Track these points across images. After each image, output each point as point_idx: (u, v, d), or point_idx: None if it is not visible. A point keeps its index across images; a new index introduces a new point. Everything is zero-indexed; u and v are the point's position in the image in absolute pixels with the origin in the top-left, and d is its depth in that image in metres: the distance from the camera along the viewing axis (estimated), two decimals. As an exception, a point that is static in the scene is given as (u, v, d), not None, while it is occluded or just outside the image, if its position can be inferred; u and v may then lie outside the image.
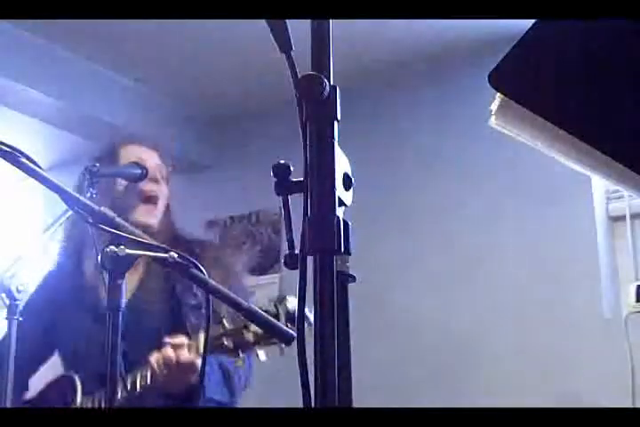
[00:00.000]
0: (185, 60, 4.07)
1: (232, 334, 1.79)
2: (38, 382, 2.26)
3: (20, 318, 1.73)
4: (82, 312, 2.18)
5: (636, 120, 0.90)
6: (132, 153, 2.28)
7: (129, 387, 1.89)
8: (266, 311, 1.73)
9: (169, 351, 1.87)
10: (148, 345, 1.95)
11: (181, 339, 1.90)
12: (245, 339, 1.79)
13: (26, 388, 2.24)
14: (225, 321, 1.81)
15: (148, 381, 1.90)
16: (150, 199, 2.21)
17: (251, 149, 4.46)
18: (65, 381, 2.13)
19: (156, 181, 2.23)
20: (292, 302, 1.79)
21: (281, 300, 1.80)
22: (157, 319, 2.11)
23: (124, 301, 2.08)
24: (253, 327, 1.77)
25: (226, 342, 1.79)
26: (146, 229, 2.17)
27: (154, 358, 1.90)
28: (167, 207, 2.28)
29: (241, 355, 1.82)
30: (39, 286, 2.31)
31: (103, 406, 1.97)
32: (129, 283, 2.14)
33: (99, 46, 3.94)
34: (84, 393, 2.06)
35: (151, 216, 2.21)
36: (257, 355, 1.83)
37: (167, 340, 1.91)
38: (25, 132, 4.25)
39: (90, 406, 2.01)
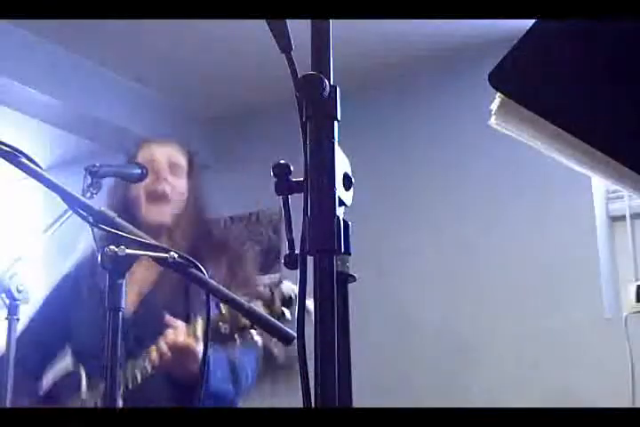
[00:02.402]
0: (185, 61, 4.07)
1: (228, 319, 1.80)
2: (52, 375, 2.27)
3: (18, 317, 1.74)
4: (95, 306, 2.19)
5: (635, 120, 0.90)
6: (147, 152, 2.28)
7: (131, 379, 1.90)
8: (261, 297, 1.75)
9: (167, 334, 1.88)
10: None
11: (179, 323, 1.91)
12: (241, 323, 1.80)
13: (40, 378, 2.24)
14: (222, 307, 1.82)
15: (149, 369, 1.91)
16: (158, 198, 2.21)
17: (251, 149, 4.46)
18: (70, 378, 2.13)
19: (163, 178, 2.22)
20: (287, 286, 1.80)
21: (276, 284, 1.81)
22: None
23: (136, 300, 2.10)
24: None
25: (222, 327, 1.80)
26: (159, 227, 2.19)
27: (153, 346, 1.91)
28: (188, 203, 2.26)
29: (237, 340, 1.83)
30: (58, 282, 2.31)
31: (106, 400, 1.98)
32: (142, 282, 2.16)
33: (99, 46, 3.94)
34: (90, 387, 2.06)
35: (160, 215, 2.21)
36: (253, 338, 1.84)
37: (166, 320, 1.91)
38: (25, 132, 4.25)
39: (94, 400, 2.01)
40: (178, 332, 1.88)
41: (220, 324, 1.80)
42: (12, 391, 1.74)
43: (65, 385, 2.15)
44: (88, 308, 2.20)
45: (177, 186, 2.25)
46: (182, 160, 2.31)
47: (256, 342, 1.87)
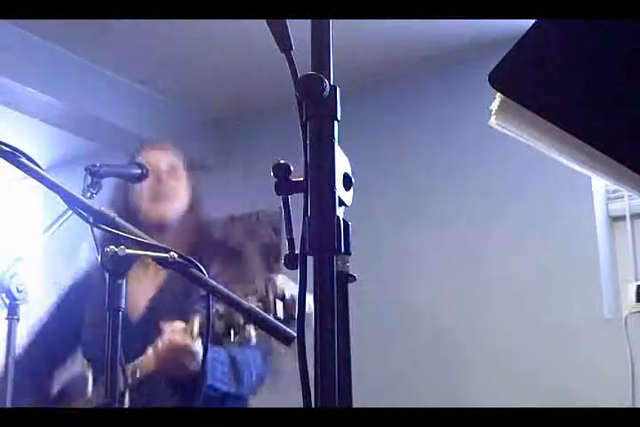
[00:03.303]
0: (186, 61, 4.07)
1: (223, 317, 1.81)
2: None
3: (18, 317, 1.74)
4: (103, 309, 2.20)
5: (636, 120, 0.90)
6: (148, 156, 2.32)
7: (130, 375, 1.91)
8: (256, 292, 1.75)
9: (164, 333, 1.89)
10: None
11: (176, 323, 1.92)
12: (236, 321, 1.80)
13: (52, 378, 2.25)
14: (218, 307, 1.82)
15: (151, 366, 1.91)
16: (159, 197, 2.23)
17: (251, 149, 4.46)
18: (77, 380, 2.14)
19: (164, 180, 2.26)
20: (282, 279, 1.81)
21: (270, 278, 1.82)
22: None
23: (145, 303, 2.11)
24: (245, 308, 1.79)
25: (217, 325, 1.81)
26: (159, 226, 2.21)
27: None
28: (187, 205, 2.31)
29: (232, 336, 1.83)
30: (68, 287, 2.34)
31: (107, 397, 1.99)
32: (149, 285, 2.17)
33: (99, 46, 3.94)
34: (96, 387, 2.06)
35: (162, 213, 2.24)
36: (249, 334, 1.84)
37: (164, 325, 1.93)
38: (25, 132, 4.25)
39: (96, 401, 2.02)
40: (175, 332, 1.89)
41: (215, 321, 1.81)
42: (20, 393, 1.75)
43: (72, 387, 2.16)
44: (96, 310, 2.20)
45: (176, 189, 2.30)
46: (180, 164, 2.36)
47: (253, 339, 1.88)
